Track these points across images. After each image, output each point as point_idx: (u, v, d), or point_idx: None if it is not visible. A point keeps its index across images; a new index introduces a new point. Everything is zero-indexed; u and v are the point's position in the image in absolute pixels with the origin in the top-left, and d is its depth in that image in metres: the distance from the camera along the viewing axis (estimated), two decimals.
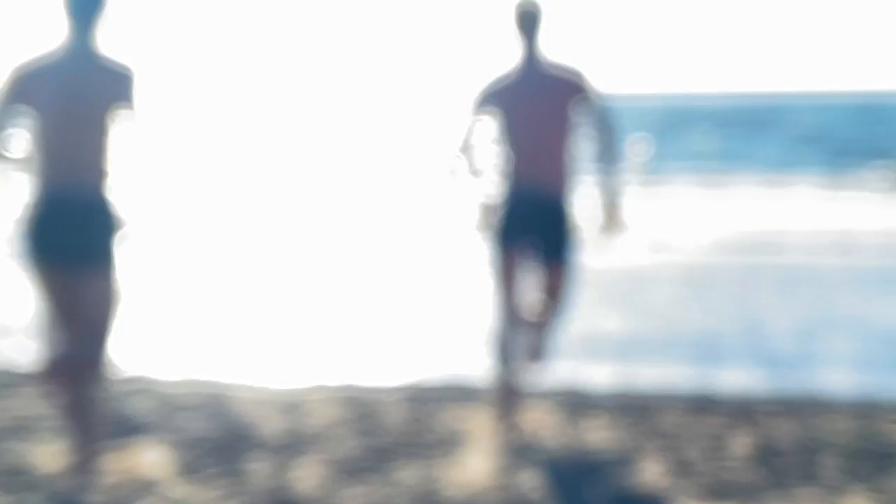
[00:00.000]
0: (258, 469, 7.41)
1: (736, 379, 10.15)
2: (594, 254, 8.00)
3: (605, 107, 7.19)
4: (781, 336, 12.49)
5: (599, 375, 9.60)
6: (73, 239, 6.14)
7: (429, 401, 9.26)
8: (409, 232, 20.79)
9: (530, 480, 7.17)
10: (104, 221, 6.17)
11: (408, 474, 7.31)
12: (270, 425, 8.51)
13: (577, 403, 9.04)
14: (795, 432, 8.29)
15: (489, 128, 7.28)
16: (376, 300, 14.27)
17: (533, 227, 7.18)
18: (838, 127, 60.19)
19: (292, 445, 7.97)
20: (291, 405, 9.13)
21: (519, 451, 7.77)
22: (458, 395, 9.43)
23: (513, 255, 7.21)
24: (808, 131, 55.84)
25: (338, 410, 8.95)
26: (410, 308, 13.67)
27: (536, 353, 7.58)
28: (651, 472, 7.34)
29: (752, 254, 19.32)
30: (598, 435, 8.22)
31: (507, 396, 7.61)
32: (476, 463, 7.51)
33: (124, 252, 6.39)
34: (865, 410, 9.07)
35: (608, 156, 7.22)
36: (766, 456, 7.73)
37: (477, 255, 8.26)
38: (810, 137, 50.91)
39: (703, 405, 9.15)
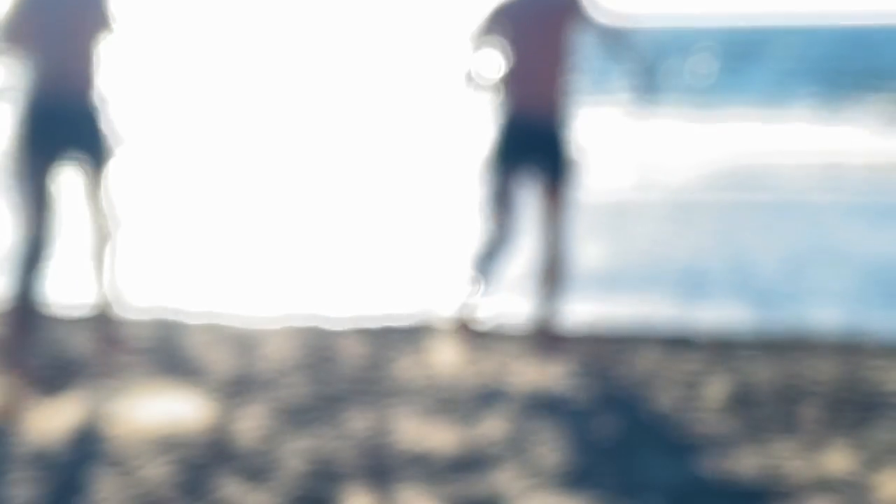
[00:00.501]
0: (198, 415, 6.81)
1: (718, 316, 9.76)
2: (577, 184, 7.66)
3: (606, 27, 7.30)
4: (767, 271, 12.04)
5: (575, 313, 8.97)
6: (65, 139, 6.52)
7: (395, 340, 8.69)
8: (410, 160, 20.09)
9: (491, 429, 6.58)
10: (94, 131, 6.55)
11: (360, 424, 6.71)
12: (220, 364, 7.92)
13: (546, 342, 8.47)
14: (775, 377, 7.70)
15: (495, 47, 7.32)
16: (365, 231, 13.64)
17: (531, 150, 7.23)
18: (830, 57, 59.30)
19: (241, 387, 7.37)
20: (248, 341, 8.54)
21: (480, 397, 7.19)
22: (427, 334, 8.89)
23: (510, 177, 7.26)
24: (799, 62, 54.95)
25: (296, 349, 8.37)
26: (402, 240, 13.07)
27: (553, 277, 7.55)
28: (614, 425, 6.72)
29: (740, 187, 18.85)
30: (565, 381, 7.62)
31: (469, 326, 7.67)
32: (435, 409, 6.93)
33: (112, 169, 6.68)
34: (850, 350, 8.53)
35: (620, 48, 7.34)
36: (742, 404, 7.11)
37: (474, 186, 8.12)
38: (801, 68, 50.02)
39: (679, 345, 8.58)
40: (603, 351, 8.38)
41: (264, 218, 14.59)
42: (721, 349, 8.58)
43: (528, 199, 7.60)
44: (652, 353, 8.40)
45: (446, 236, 13.27)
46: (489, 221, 7.44)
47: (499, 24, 7.25)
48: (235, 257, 12.11)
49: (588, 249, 12.67)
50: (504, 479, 5.78)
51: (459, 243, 11.99)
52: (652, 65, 7.34)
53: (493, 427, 6.59)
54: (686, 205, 16.85)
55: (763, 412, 7.02)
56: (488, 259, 7.48)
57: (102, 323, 7.35)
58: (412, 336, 8.83)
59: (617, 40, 7.27)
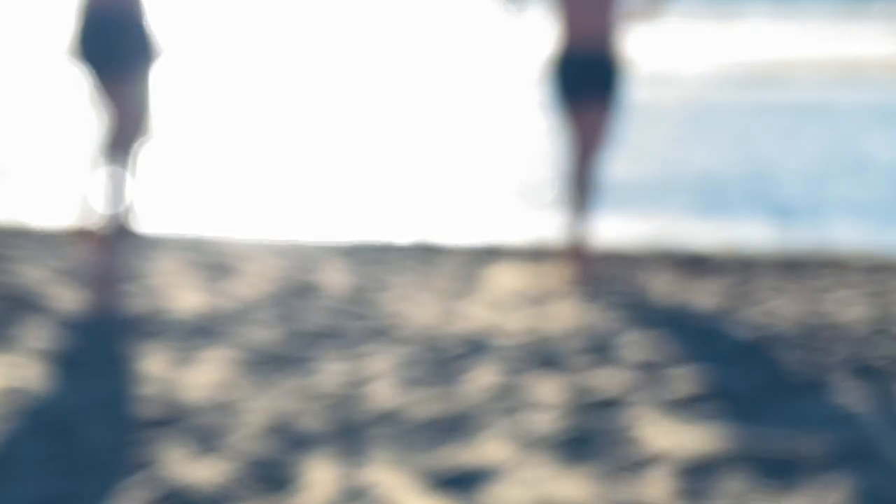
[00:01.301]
0: (149, 365, 5.68)
1: (738, 233, 9.01)
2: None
3: None
4: (788, 180, 11.18)
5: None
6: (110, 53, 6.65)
7: (379, 265, 7.59)
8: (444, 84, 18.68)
9: (477, 385, 5.46)
10: (140, 43, 6.66)
11: (331, 370, 5.59)
12: (183, 298, 6.80)
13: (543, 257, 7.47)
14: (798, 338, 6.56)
15: None
16: (384, 154, 12.49)
17: (586, 78, 7.28)
18: None
19: (201, 327, 6.25)
20: (221, 267, 7.43)
21: (465, 342, 6.07)
22: (422, 254, 7.79)
23: (574, 105, 7.31)
24: None
25: (273, 278, 7.26)
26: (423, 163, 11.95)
27: (583, 194, 7.48)
28: (609, 376, 5.60)
29: (756, 88, 17.63)
30: (564, 316, 6.50)
31: (578, 247, 7.43)
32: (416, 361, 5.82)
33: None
34: (878, 275, 7.46)
35: None
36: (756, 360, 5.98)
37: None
38: None
39: (695, 265, 7.49)
40: (609, 270, 7.34)
41: (299, 130, 13.42)
42: (741, 272, 7.52)
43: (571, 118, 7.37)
44: (664, 276, 7.38)
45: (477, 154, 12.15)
46: (563, 150, 7.42)
47: None
48: (234, 179, 11.02)
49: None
50: (491, 448, 4.66)
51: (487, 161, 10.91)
52: None
53: (481, 381, 5.47)
54: (701, 107, 15.74)
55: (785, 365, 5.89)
56: (581, 188, 7.42)
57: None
58: (405, 260, 7.74)
59: None
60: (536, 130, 12.80)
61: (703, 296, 7.06)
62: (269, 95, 17.34)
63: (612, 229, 8.65)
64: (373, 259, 7.97)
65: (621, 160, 11.29)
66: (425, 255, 8.20)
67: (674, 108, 15.36)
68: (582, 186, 7.41)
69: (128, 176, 6.69)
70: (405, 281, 7.32)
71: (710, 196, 10.49)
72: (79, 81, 6.75)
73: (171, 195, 10.03)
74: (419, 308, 6.67)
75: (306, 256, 7.94)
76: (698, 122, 14.72)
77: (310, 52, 22.44)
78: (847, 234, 9.15)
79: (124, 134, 6.69)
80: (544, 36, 7.44)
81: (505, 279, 7.39)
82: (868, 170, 11.67)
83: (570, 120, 7.34)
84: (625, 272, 7.69)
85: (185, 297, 6.86)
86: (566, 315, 6.53)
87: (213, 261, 7.74)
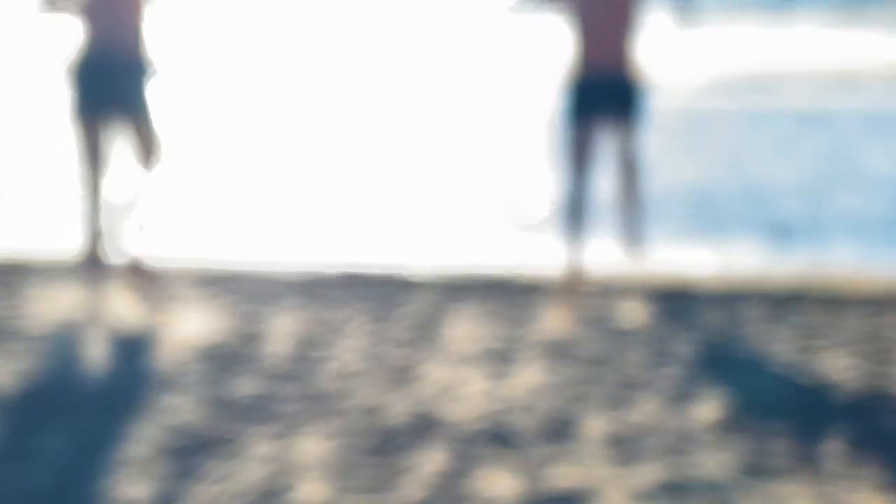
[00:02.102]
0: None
1: (736, 252, 8.44)
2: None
3: None
4: (786, 197, 10.39)
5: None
6: (111, 88, 6.66)
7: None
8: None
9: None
10: (139, 74, 6.66)
11: (256, 456, 4.72)
12: (84, 374, 5.96)
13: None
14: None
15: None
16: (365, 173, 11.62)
17: (606, 103, 7.17)
18: None
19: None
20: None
21: (413, 416, 5.21)
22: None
23: (586, 129, 7.14)
24: None
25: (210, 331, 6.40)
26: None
27: (635, 233, 7.38)
28: (573, 460, 4.74)
29: (749, 96, 16.80)
30: (532, 379, 5.65)
31: (576, 275, 7.19)
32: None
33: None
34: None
35: None
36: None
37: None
38: None
39: (677, 297, 6.73)
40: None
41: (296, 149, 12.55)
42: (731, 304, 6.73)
43: (602, 144, 7.27)
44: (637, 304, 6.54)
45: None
46: (567, 174, 7.24)
47: None
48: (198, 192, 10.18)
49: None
50: None
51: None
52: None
53: (425, 469, 4.61)
54: (693, 116, 14.93)
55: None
56: (574, 212, 7.23)
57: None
58: (366, 298, 6.90)
59: None
60: (538, 147, 11.94)
61: (683, 345, 6.19)
62: (263, 103, 16.40)
63: (598, 255, 7.87)
64: (330, 297, 7.09)
65: (606, 173, 10.65)
66: (389, 290, 7.33)
67: (663, 117, 14.51)
68: (628, 211, 7.31)
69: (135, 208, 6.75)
70: (359, 330, 6.45)
71: (699, 215, 9.77)
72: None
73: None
74: (367, 371, 5.80)
75: (254, 293, 7.07)
76: (689, 133, 13.89)
77: (309, 58, 21.49)
78: (847, 255, 8.55)
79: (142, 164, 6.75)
80: (557, 48, 7.28)
81: (472, 327, 6.51)
82: (867, 184, 10.87)
83: (584, 143, 7.15)
84: (607, 310, 6.84)
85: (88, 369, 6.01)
86: (534, 377, 5.67)
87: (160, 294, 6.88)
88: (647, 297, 7.13)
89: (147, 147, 6.73)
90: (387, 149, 12.85)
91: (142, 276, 6.92)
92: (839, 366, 5.82)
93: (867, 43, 22.73)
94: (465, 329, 6.42)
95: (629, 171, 7.29)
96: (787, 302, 7.14)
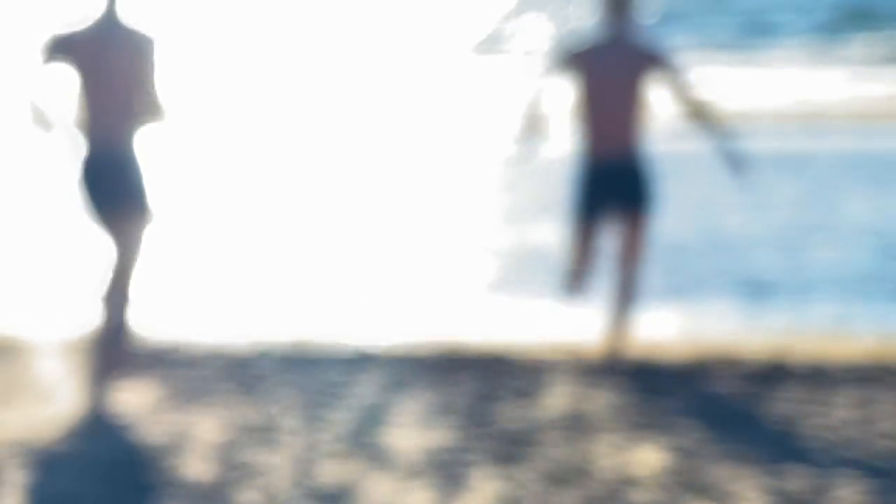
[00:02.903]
0: None
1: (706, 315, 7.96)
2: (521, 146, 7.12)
3: (687, 79, 7.14)
4: (756, 251, 9.93)
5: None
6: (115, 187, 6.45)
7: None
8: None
9: None
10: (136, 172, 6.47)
11: None
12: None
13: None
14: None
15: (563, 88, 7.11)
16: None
17: (613, 190, 7.10)
18: None
19: None
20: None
21: None
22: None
23: (594, 215, 7.11)
24: None
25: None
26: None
27: (628, 300, 7.19)
28: None
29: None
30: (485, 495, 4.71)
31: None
32: None
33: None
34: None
35: (709, 126, 7.20)
36: None
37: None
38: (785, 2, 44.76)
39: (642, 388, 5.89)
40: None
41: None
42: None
43: (607, 230, 7.15)
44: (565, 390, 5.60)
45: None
46: (571, 258, 7.18)
47: (574, 66, 7.04)
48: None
49: (532, 220, 10.53)
50: None
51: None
52: (736, 142, 7.10)
53: None
54: (656, 160, 14.18)
55: None
56: (573, 291, 7.21)
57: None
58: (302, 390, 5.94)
59: (703, 112, 7.11)
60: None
61: (652, 462, 5.25)
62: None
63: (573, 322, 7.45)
64: (259, 392, 6.12)
65: (554, 224, 10.01)
66: (343, 369, 6.40)
67: None
68: (623, 297, 7.11)
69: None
70: (285, 439, 5.46)
71: (663, 271, 9.02)
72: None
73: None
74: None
75: (174, 391, 6.10)
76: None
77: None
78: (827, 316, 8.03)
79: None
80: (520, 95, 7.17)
81: (421, 436, 5.52)
82: (840, 239, 10.46)
83: (593, 230, 7.11)
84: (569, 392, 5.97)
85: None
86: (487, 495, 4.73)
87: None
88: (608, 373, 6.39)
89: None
90: (337, 211, 11.99)
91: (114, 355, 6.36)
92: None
93: (835, 82, 22.36)
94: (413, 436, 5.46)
95: (630, 261, 7.17)
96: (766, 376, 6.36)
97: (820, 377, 6.43)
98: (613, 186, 7.07)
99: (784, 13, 34.82)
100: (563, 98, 7.04)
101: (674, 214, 11.33)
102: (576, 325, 7.56)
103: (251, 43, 28.31)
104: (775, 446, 5.21)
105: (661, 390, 6.18)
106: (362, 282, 9.01)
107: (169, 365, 6.51)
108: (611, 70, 7.03)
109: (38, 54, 6.45)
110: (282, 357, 6.67)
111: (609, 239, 7.13)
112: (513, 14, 33.56)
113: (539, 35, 31.69)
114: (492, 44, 30.35)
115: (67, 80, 6.48)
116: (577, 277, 7.15)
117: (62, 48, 6.44)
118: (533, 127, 7.11)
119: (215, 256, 9.64)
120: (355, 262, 9.62)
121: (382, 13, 33.82)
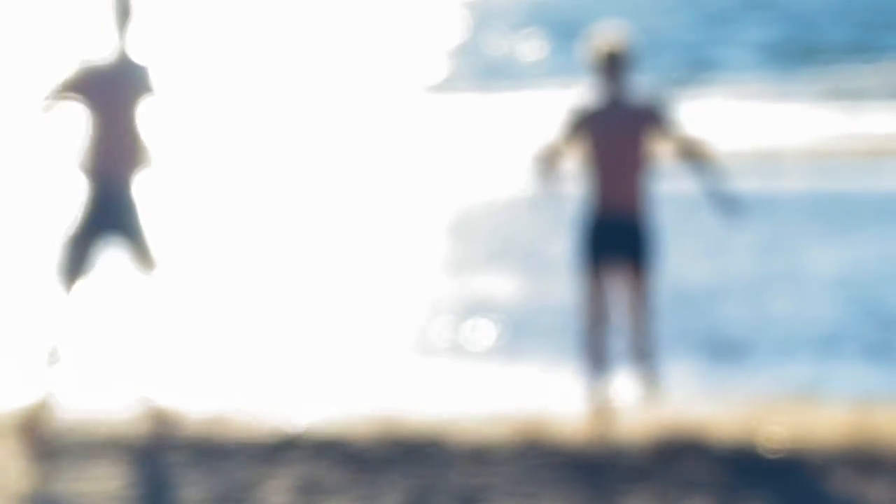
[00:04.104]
0: None
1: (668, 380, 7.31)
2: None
3: (686, 133, 7.40)
4: (713, 304, 9.75)
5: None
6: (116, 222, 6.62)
7: None
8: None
9: None
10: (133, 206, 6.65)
11: None
12: None
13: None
14: None
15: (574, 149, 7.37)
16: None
17: (617, 244, 7.36)
18: (771, 23, 52.63)
19: None
20: None
21: None
22: None
23: (600, 269, 7.35)
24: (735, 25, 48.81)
25: None
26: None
27: (644, 354, 7.38)
28: None
29: (661, 178, 15.77)
30: None
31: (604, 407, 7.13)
32: None
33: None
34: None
35: (702, 166, 7.38)
36: None
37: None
38: (736, 38, 43.82)
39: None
40: None
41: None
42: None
43: (613, 286, 7.31)
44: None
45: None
46: (582, 316, 7.36)
47: (579, 131, 7.29)
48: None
49: (490, 276, 10.26)
50: None
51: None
52: (729, 183, 7.31)
53: None
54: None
55: None
56: (594, 350, 7.28)
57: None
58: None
59: (697, 154, 7.31)
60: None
61: None
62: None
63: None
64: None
65: (512, 283, 9.23)
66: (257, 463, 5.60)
67: (569, 200, 13.26)
68: (640, 354, 7.26)
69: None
70: None
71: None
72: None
73: None
74: None
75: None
76: None
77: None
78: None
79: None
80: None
81: None
82: (809, 285, 10.23)
83: (597, 288, 7.29)
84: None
85: None
86: None
87: None
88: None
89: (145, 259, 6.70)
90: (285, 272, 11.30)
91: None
92: None
93: (791, 117, 22.12)
94: None
95: (639, 316, 7.36)
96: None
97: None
98: (616, 241, 7.33)
99: (729, 48, 34.63)
100: (571, 155, 7.29)
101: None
102: (530, 392, 7.59)
103: (216, 79, 27.89)
104: None
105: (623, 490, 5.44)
106: (290, 346, 8.40)
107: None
108: (613, 131, 7.32)
109: (50, 91, 6.59)
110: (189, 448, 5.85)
111: (616, 298, 7.32)
112: (463, 52, 33.51)
113: (490, 73, 31.65)
114: (447, 83, 30.17)
115: (76, 118, 6.61)
116: (593, 337, 7.29)
117: (74, 86, 6.60)
118: (546, 172, 7.34)
119: (120, 318, 8.88)
120: (288, 323, 9.02)
121: (335, 54, 33.48)
